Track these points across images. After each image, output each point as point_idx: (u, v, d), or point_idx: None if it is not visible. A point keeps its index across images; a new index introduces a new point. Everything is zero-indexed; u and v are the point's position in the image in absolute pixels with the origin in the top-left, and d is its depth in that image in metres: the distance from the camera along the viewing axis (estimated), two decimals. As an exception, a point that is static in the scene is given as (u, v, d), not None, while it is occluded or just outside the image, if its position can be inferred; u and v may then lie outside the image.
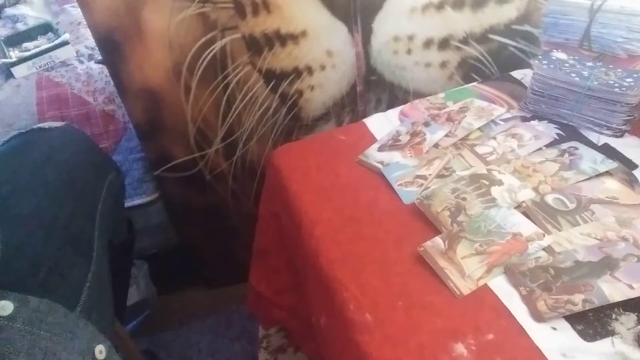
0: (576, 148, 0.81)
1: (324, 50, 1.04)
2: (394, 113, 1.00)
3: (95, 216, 0.73)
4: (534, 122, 0.89)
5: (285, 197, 0.85)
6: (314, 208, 0.80)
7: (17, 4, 1.49)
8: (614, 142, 0.82)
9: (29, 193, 0.66)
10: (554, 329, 0.56)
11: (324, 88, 1.10)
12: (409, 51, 1.08)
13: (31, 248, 0.60)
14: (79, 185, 0.74)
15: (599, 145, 0.82)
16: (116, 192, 0.85)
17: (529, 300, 0.59)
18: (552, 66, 0.86)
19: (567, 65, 0.86)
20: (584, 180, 0.75)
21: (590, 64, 0.86)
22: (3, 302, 0.50)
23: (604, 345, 0.54)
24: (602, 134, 0.83)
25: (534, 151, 0.82)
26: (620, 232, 0.65)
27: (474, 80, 1.12)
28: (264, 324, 1.21)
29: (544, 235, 0.66)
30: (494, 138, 0.87)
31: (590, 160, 0.78)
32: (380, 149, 0.89)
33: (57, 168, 0.72)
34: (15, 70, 1.14)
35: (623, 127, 0.82)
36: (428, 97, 1.03)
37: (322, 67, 1.07)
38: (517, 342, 0.56)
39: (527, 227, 0.68)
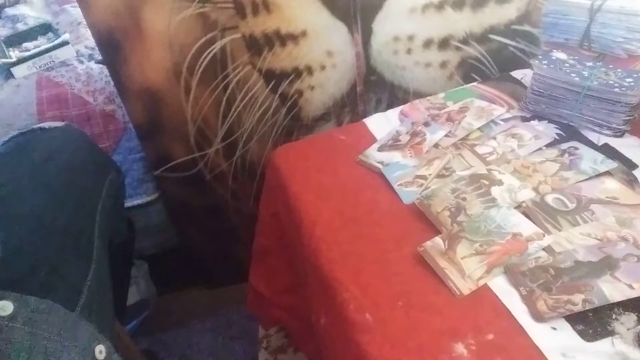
0: (576, 148, 0.81)
1: (324, 50, 1.04)
2: (394, 113, 1.00)
3: (95, 216, 0.73)
4: (534, 122, 0.89)
5: (286, 197, 0.85)
6: (314, 208, 0.80)
7: (17, 4, 1.49)
8: (614, 142, 0.82)
9: (29, 193, 0.66)
10: (554, 329, 0.56)
11: (324, 88, 1.10)
12: (409, 51, 1.08)
13: (31, 248, 0.60)
14: (79, 185, 0.74)
15: (599, 145, 0.82)
16: (116, 192, 0.85)
17: (529, 300, 0.59)
18: (552, 66, 0.86)
19: (567, 65, 0.86)
20: (584, 180, 0.75)
21: (590, 64, 0.86)
22: (3, 302, 0.50)
23: (604, 345, 0.54)
24: (602, 134, 0.83)
25: (534, 151, 0.82)
26: (620, 232, 0.65)
27: (474, 80, 1.12)
28: (264, 324, 1.21)
29: (544, 235, 0.66)
30: (494, 138, 0.87)
31: (590, 160, 0.78)
32: (380, 149, 0.89)
33: (58, 168, 0.72)
34: (15, 70, 1.14)
35: (623, 127, 0.82)
36: (428, 97, 1.03)
37: (322, 67, 1.07)
38: (517, 342, 0.56)
39: (527, 227, 0.68)
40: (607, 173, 0.75)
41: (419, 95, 1.12)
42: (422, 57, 1.09)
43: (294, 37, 1.01)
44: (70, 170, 0.74)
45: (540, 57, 0.89)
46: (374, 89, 1.13)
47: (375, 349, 0.58)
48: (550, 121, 0.88)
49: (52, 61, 1.17)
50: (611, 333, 0.55)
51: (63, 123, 0.84)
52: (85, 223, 0.71)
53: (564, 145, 0.82)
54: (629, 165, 0.77)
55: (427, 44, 1.08)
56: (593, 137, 0.84)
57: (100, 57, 1.15)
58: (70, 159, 0.76)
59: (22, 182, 0.67)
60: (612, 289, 0.57)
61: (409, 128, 0.93)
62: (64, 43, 1.18)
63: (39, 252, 0.60)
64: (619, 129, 0.82)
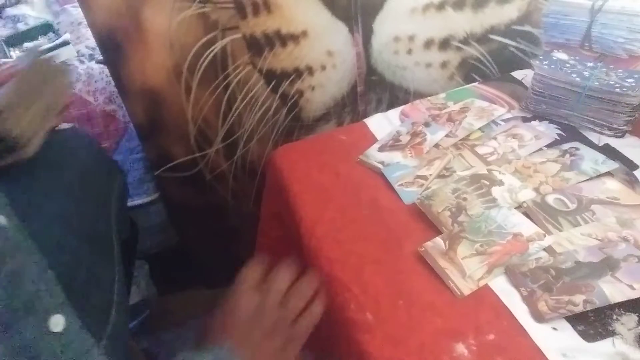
0: (577, 148, 0.81)
1: (325, 50, 1.04)
2: (394, 113, 1.00)
3: (111, 219, 0.73)
4: (535, 123, 0.89)
5: (286, 197, 0.85)
6: (314, 208, 0.80)
7: (17, 3, 1.50)
8: (615, 143, 0.82)
9: (52, 194, 0.65)
10: (555, 329, 0.56)
11: (324, 88, 1.10)
12: (409, 51, 1.08)
13: (68, 248, 0.59)
14: (94, 187, 0.73)
15: (600, 145, 0.82)
16: (123, 195, 0.85)
17: (529, 300, 0.59)
18: (552, 66, 0.86)
19: (567, 65, 0.86)
20: (584, 180, 0.75)
21: (591, 64, 0.86)
22: (58, 316, 0.45)
23: (604, 345, 0.54)
24: (603, 134, 0.83)
25: (535, 151, 0.82)
26: (621, 233, 0.65)
27: (474, 80, 1.12)
28: (264, 324, 1.20)
29: (544, 236, 0.66)
30: (495, 138, 0.87)
31: (591, 160, 0.78)
32: (381, 149, 0.89)
33: (72, 170, 0.71)
34: (15, 70, 1.14)
35: (624, 127, 0.82)
36: (429, 98, 1.03)
37: (323, 67, 1.07)
38: (517, 342, 0.56)
39: (527, 228, 0.68)
40: (608, 173, 0.75)
41: (420, 95, 1.12)
42: (422, 57, 1.09)
43: (294, 37, 1.01)
44: (85, 172, 0.72)
45: (541, 57, 0.89)
46: (374, 89, 1.13)
47: (375, 349, 0.58)
48: (551, 121, 0.88)
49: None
50: (612, 333, 0.55)
51: (69, 125, 0.84)
52: (106, 225, 0.71)
53: (565, 146, 0.82)
54: (630, 165, 0.77)
55: (428, 44, 1.07)
56: (594, 137, 0.84)
57: (100, 57, 1.15)
58: (84, 163, 0.74)
59: (42, 183, 0.65)
60: (613, 290, 0.57)
61: (409, 128, 0.93)
62: (65, 43, 1.18)
63: (76, 252, 0.59)
64: (619, 129, 0.82)
